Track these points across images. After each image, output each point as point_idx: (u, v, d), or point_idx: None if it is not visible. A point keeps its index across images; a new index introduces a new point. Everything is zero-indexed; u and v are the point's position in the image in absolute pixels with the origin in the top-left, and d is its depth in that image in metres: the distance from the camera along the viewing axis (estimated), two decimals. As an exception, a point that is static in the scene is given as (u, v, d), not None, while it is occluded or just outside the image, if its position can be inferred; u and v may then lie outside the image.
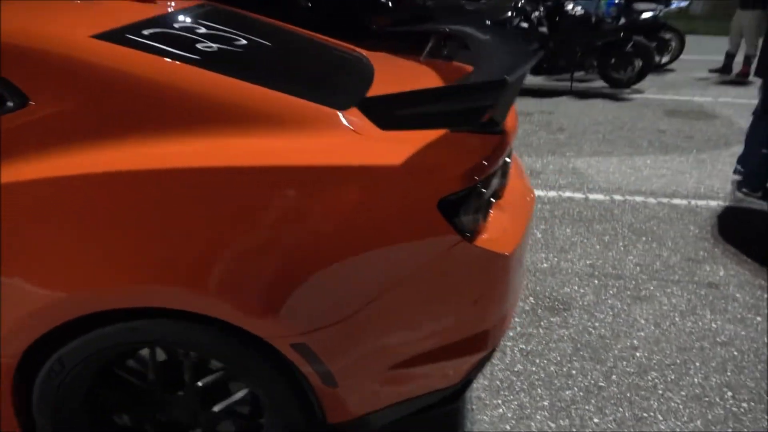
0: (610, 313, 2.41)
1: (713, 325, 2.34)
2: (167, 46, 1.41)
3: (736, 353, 2.17)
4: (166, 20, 1.61)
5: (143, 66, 1.28)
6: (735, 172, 3.40)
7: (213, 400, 1.41)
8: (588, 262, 2.83)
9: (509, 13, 3.80)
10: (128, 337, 1.27)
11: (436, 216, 1.24)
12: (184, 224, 1.16)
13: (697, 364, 2.11)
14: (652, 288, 2.60)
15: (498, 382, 2.00)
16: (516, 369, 2.07)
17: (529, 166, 4.16)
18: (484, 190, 1.33)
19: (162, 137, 1.23)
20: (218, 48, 1.53)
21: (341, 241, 1.22)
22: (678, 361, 2.12)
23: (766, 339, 2.24)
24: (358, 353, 1.32)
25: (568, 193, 3.68)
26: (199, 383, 1.37)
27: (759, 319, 2.38)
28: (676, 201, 3.58)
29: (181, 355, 1.36)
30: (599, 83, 6.88)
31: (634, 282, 2.65)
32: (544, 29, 6.31)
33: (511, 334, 2.26)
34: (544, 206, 3.48)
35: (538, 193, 3.68)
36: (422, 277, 1.28)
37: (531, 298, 2.50)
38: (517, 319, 2.35)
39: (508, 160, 1.54)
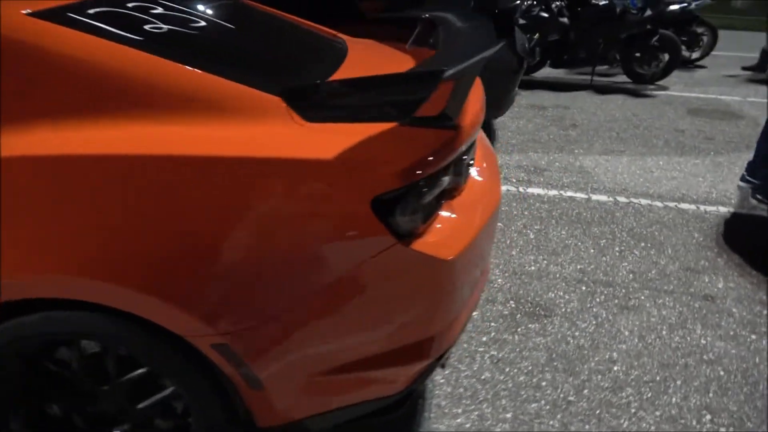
0: (593, 322, 2.29)
1: (702, 341, 2.20)
2: (110, 26, 1.34)
3: (722, 373, 2.03)
4: (118, -1, 1.54)
5: (74, 46, 1.22)
6: (742, 179, 3.21)
7: (141, 396, 1.36)
8: (579, 266, 2.70)
9: (519, 1, 3.63)
10: (45, 327, 1.22)
11: (369, 215, 1.16)
12: (94, 213, 1.10)
13: (678, 382, 1.98)
14: (642, 298, 2.47)
15: (461, 390, 1.91)
16: (483, 377, 1.97)
17: (533, 163, 4.01)
18: (425, 189, 1.23)
19: (84, 121, 1.17)
20: (168, 29, 1.46)
21: (265, 239, 1.14)
22: (658, 378, 2.00)
23: (757, 359, 2.10)
24: (286, 357, 1.24)
25: (570, 193, 3.53)
26: (123, 378, 1.31)
27: (753, 337, 2.23)
28: (684, 206, 3.40)
29: (107, 349, 1.31)
30: (622, 78, 6.63)
31: (624, 290, 2.51)
32: (564, 19, 6.07)
33: (483, 339, 2.16)
34: (543, 206, 3.34)
35: (538, 191, 3.54)
36: (354, 281, 1.20)
37: (512, 302, 2.40)
38: (492, 324, 2.25)
39: (465, 157, 1.43)
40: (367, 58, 1.87)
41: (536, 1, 5.96)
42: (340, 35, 2.20)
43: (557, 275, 2.62)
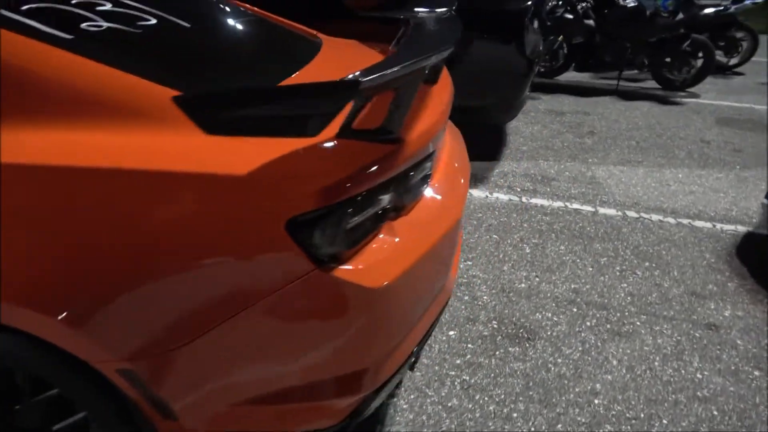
0: (580, 348, 2.13)
1: (698, 375, 2.02)
2: (41, 23, 1.27)
3: (716, 413, 1.85)
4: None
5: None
6: (767, 196, 2.97)
7: (58, 417, 1.29)
8: (573, 286, 2.53)
9: (530, 2, 3.47)
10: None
11: (284, 238, 1.06)
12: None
13: (665, 421, 1.81)
14: (638, 323, 2.29)
15: (424, 417, 1.79)
16: (450, 404, 1.85)
17: (542, 172, 3.83)
18: (352, 209, 1.12)
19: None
20: (107, 27, 1.39)
21: (170, 261, 1.05)
22: (642, 415, 1.83)
23: (757, 399, 1.90)
24: (199, 386, 1.15)
25: (576, 205, 3.35)
26: (35, 399, 1.25)
27: (757, 373, 2.03)
28: (699, 223, 3.17)
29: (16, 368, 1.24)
30: (651, 84, 6.33)
31: (618, 314, 2.34)
32: (590, 21, 5.84)
33: (457, 362, 2.03)
34: (544, 218, 3.17)
35: (541, 202, 3.37)
36: (270, 308, 1.10)
37: (494, 322, 2.26)
38: (470, 346, 2.12)
39: (412, 173, 1.31)
40: (336, 60, 1.77)
41: (561, 1, 5.75)
42: (320, 35, 2.11)
43: (548, 295, 2.46)
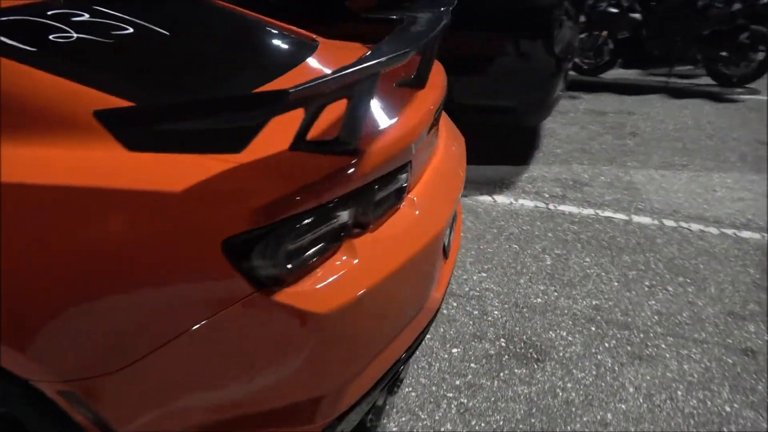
0: (593, 372, 1.96)
1: (727, 408, 1.81)
2: (7, 37, 1.26)
3: (743, 454, 1.65)
4: (42, 7, 1.47)
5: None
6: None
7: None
8: (594, 302, 2.35)
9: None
10: None
11: (220, 260, 0.99)
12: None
13: (682, 460, 1.63)
14: (663, 346, 2.09)
15: (413, 443, 1.69)
16: (442, 429, 1.73)
17: (574, 176, 3.62)
18: (299, 227, 1.04)
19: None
20: (77, 38, 1.37)
21: (99, 282, 1.00)
22: (656, 451, 1.65)
23: (795, 440, 1.69)
24: (144, 410, 1.11)
25: (608, 213, 3.13)
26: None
27: (797, 409, 1.80)
28: (746, 234, 2.89)
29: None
30: (707, 80, 5.90)
31: (642, 335, 2.14)
32: (636, 15, 5.50)
33: (457, 382, 1.91)
34: (571, 226, 2.98)
35: (570, 209, 3.17)
36: (210, 333, 1.04)
37: (502, 340, 2.12)
38: (472, 365, 1.99)
39: (377, 186, 1.21)
40: (326, 64, 1.70)
41: (605, -5, 5.46)
42: (319, 38, 2.04)
43: (565, 311, 2.29)
